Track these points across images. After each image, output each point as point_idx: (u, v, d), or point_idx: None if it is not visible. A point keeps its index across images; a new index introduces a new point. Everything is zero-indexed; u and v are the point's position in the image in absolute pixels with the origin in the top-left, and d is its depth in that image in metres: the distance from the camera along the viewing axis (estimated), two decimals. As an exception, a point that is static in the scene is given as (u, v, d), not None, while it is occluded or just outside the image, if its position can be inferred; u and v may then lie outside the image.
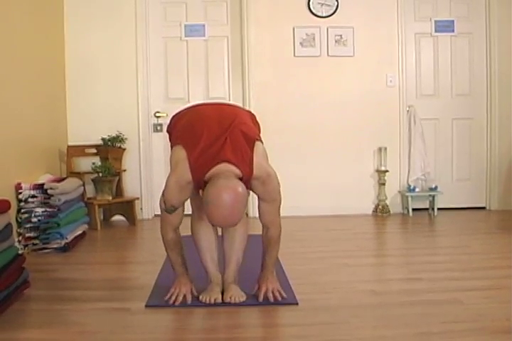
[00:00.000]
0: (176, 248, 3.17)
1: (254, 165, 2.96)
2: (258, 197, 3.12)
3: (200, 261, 3.31)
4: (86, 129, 6.01)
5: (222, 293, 3.22)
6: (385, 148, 6.17)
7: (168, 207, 3.05)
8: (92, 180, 5.65)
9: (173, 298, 3.17)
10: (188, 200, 3.22)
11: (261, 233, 3.22)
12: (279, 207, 3.20)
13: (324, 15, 6.15)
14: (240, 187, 2.80)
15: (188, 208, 3.26)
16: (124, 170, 5.99)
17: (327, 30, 6.16)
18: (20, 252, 3.54)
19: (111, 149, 5.79)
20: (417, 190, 6.18)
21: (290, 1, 6.15)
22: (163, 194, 3.05)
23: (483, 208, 6.45)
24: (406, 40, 6.28)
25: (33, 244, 4.54)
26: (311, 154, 6.22)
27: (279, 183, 3.12)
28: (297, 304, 3.15)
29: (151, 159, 6.20)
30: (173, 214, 3.07)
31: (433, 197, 6.15)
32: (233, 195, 2.73)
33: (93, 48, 6.06)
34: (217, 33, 6.23)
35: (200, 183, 2.92)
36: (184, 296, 3.17)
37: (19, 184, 4.58)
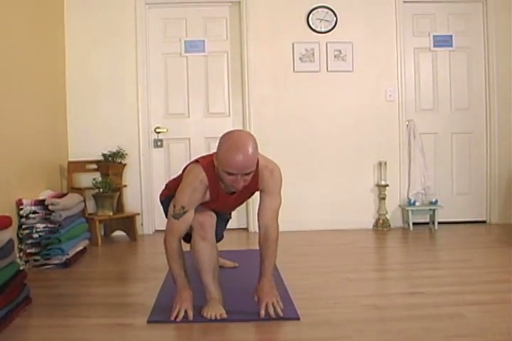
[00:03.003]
0: (180, 259, 3.18)
1: (260, 156, 3.13)
2: (262, 193, 3.27)
3: (201, 280, 3.27)
4: (86, 145, 6.03)
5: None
6: (385, 163, 6.18)
7: (178, 210, 3.12)
8: (93, 196, 5.66)
9: (174, 314, 3.16)
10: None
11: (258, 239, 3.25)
12: (279, 209, 3.31)
13: (323, 30, 6.19)
14: (252, 136, 3.04)
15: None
16: (125, 186, 6.00)
17: (326, 46, 6.20)
18: (21, 268, 3.53)
19: (111, 165, 5.80)
20: (417, 204, 6.18)
21: (289, 17, 6.19)
22: (174, 198, 3.16)
23: (484, 222, 6.44)
24: (405, 55, 6.31)
25: (34, 260, 4.54)
26: (310, 168, 6.23)
27: (281, 183, 3.33)
28: (299, 319, 3.14)
29: (151, 174, 6.21)
30: (180, 220, 3.13)
31: (433, 211, 6.15)
32: (246, 137, 3.00)
33: (94, 64, 6.10)
34: (217, 49, 6.27)
35: (213, 177, 3.10)
36: (186, 312, 3.16)
37: (20, 200, 4.59)
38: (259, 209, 3.27)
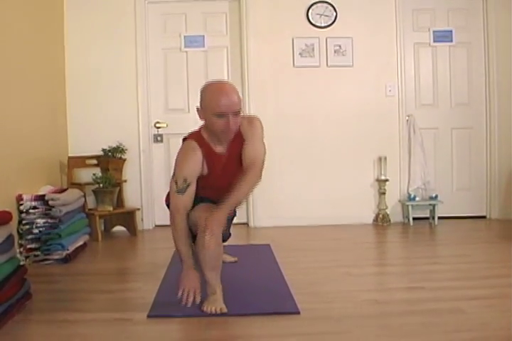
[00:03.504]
0: (188, 240, 3.22)
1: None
2: (245, 143, 3.28)
3: (203, 275, 3.25)
4: (86, 140, 6.02)
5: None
6: (385, 158, 6.18)
7: (181, 184, 3.16)
8: (93, 191, 5.65)
9: (182, 293, 3.17)
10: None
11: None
12: (263, 158, 3.29)
13: (323, 25, 6.18)
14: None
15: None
16: (125, 181, 6.00)
17: (326, 41, 6.18)
18: (21, 263, 3.53)
19: (111, 160, 5.80)
20: (417, 199, 6.18)
21: (289, 12, 6.18)
22: (173, 176, 3.22)
23: (484, 217, 6.44)
24: (405, 50, 6.30)
25: (35, 256, 4.54)
26: (311, 164, 6.23)
27: (263, 132, 3.36)
28: (299, 313, 3.14)
29: (151, 170, 6.21)
30: (185, 194, 3.17)
31: (433, 206, 6.15)
32: (225, 81, 3.35)
33: (93, 60, 6.08)
34: (216, 44, 6.26)
35: (202, 141, 3.26)
36: (194, 296, 3.17)
37: (20, 195, 4.59)
38: (243, 153, 3.28)
